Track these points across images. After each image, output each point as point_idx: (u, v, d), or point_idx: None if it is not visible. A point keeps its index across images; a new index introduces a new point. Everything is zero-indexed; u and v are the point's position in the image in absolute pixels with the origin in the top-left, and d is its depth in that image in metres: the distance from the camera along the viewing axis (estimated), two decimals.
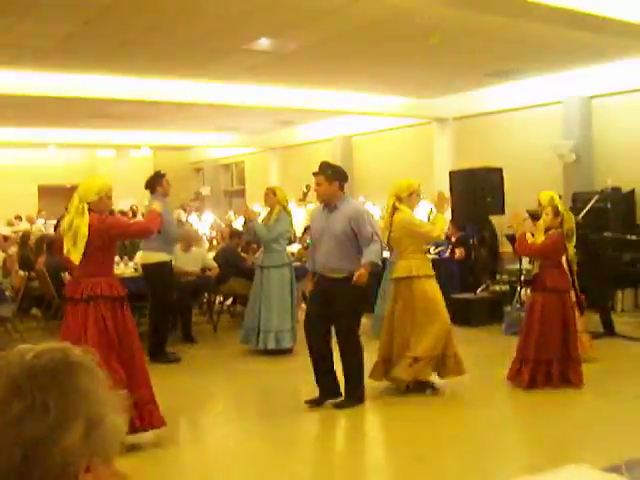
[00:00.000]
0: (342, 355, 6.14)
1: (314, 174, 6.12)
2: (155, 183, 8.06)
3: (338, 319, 6.05)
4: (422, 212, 12.79)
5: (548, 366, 6.58)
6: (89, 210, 5.05)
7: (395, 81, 12.17)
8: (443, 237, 8.48)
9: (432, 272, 6.67)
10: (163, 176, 8.16)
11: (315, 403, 6.08)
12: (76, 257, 5.01)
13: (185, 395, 6.74)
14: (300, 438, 5.69)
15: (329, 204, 6.12)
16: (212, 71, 10.97)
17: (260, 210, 11.48)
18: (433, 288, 6.57)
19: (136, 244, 10.62)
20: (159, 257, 8.04)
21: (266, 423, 5.89)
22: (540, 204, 8.05)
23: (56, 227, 10.79)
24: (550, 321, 6.55)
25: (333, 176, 6.05)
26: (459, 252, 11.33)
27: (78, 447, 1.03)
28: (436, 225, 6.64)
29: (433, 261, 11.44)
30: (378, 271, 7.49)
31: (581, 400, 6.58)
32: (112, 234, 5.18)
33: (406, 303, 6.47)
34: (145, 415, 5.01)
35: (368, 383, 6.33)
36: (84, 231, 4.98)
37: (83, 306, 4.99)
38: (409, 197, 6.67)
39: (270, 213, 8.56)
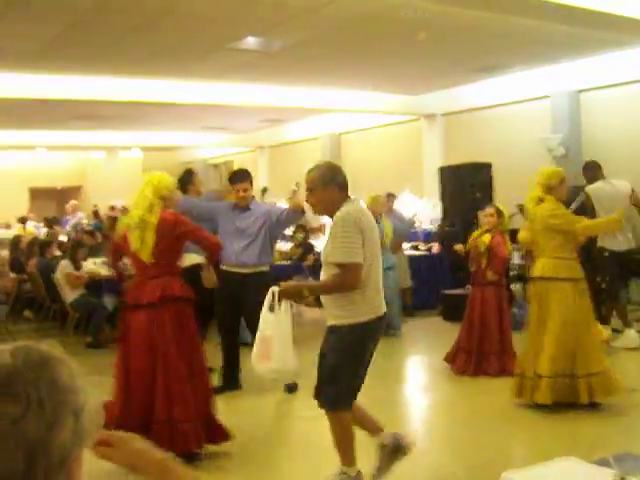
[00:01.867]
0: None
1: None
2: (186, 182, 7.44)
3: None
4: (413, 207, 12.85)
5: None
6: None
7: (382, 78, 12.16)
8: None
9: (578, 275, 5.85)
10: (194, 174, 7.68)
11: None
12: (146, 256, 4.74)
13: None
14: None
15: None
16: (199, 70, 10.95)
17: None
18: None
19: None
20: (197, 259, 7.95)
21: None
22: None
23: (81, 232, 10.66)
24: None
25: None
26: (436, 247, 11.45)
27: (71, 439, 1.05)
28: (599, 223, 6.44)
29: (423, 257, 11.64)
30: None
31: None
32: (179, 231, 4.83)
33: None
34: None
35: None
36: (154, 227, 4.71)
37: (152, 310, 4.70)
38: (560, 186, 5.98)
39: None
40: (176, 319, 4.73)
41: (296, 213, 6.64)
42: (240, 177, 6.62)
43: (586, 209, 8.18)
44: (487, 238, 7.15)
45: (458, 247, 7.96)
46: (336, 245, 3.97)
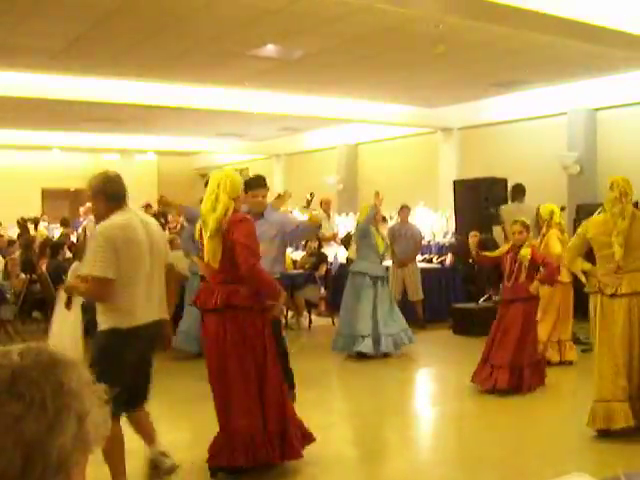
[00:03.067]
0: None
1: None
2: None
3: None
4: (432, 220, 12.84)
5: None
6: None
7: (400, 90, 12.19)
8: None
9: None
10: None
11: None
12: (215, 261, 4.51)
13: None
14: None
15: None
16: (218, 76, 10.99)
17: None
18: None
19: None
20: None
21: None
22: (541, 217, 8.18)
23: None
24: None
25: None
26: (449, 259, 11.43)
27: (72, 443, 1.05)
28: None
29: (436, 270, 11.63)
30: None
31: (583, 407, 6.57)
32: (231, 237, 4.49)
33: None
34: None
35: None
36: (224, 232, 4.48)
37: (218, 316, 4.52)
38: None
39: None
40: (238, 327, 4.51)
41: (312, 228, 6.51)
42: (257, 183, 6.40)
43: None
44: (527, 252, 7.01)
45: (487, 253, 7.68)
46: (89, 257, 4.08)
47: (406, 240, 10.73)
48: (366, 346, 8.53)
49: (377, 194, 8.68)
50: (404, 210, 11.00)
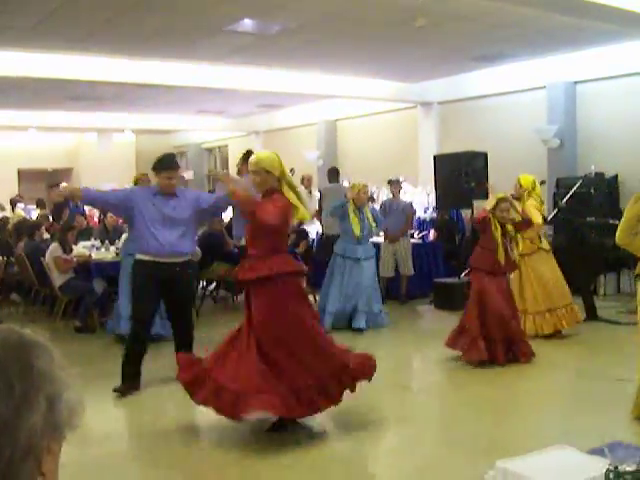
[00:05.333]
0: None
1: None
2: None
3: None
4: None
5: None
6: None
7: (380, 65, 12.11)
8: None
9: None
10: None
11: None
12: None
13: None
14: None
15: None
16: (196, 53, 10.86)
17: None
18: None
19: (119, 229, 10.51)
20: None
21: None
22: (521, 186, 8.18)
23: None
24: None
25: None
26: (433, 235, 11.45)
27: (41, 427, 1.02)
28: None
29: (417, 245, 11.64)
30: None
31: (566, 381, 6.63)
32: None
33: None
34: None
35: None
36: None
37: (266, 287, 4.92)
38: None
39: None
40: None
41: (227, 202, 6.20)
42: (169, 164, 6.23)
43: None
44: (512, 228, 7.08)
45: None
46: None
47: (397, 215, 10.76)
48: (359, 321, 8.87)
49: (353, 187, 9.00)
50: (394, 185, 11.01)
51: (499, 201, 7.02)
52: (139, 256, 6.21)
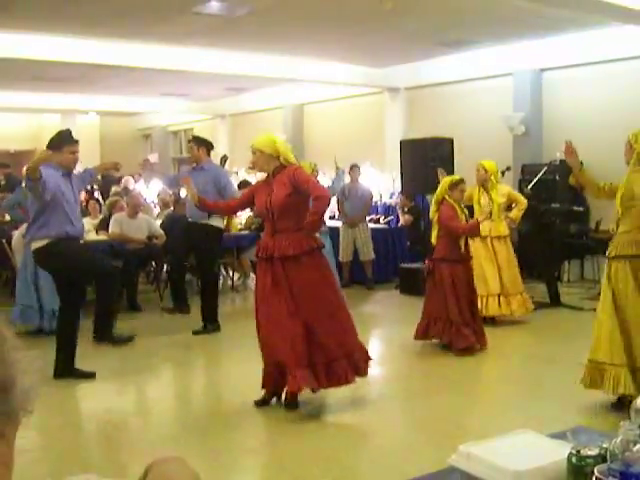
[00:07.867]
0: None
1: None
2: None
3: None
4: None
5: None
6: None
7: (347, 49, 12.05)
8: None
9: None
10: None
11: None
12: None
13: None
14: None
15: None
16: (161, 34, 10.69)
17: None
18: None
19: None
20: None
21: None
22: (487, 171, 8.25)
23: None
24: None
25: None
26: (403, 219, 11.42)
27: None
28: None
29: (382, 230, 11.66)
30: None
31: (528, 366, 6.68)
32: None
33: None
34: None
35: None
36: None
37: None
38: None
39: None
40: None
41: (92, 175, 7.13)
42: (70, 137, 6.04)
43: None
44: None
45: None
46: None
47: (356, 199, 10.75)
48: None
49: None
50: (354, 169, 11.05)
51: (458, 182, 7.11)
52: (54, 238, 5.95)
